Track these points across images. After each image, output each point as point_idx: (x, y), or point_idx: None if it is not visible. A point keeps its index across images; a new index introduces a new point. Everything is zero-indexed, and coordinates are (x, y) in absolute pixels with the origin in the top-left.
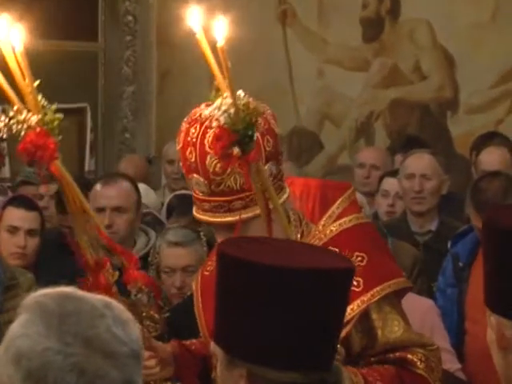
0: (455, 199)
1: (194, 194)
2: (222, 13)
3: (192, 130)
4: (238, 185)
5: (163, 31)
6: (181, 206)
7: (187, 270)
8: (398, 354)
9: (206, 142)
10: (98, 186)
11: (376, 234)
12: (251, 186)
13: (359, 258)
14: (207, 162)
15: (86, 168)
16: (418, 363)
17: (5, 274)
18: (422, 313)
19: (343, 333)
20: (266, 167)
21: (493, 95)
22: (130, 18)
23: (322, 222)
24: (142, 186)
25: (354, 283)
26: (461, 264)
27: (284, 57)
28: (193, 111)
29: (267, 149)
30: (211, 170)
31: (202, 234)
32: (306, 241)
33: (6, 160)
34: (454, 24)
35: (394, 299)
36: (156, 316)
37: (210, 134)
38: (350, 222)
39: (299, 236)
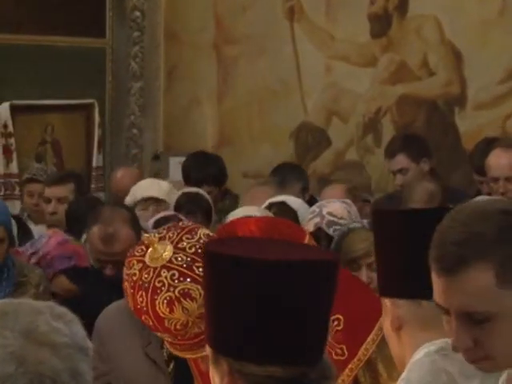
0: (462, 195)
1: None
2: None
3: (139, 299)
4: (202, 328)
5: (171, 27)
6: (189, 204)
7: None
8: None
9: (157, 309)
10: None
11: (343, 279)
12: None
13: (335, 323)
14: (166, 325)
15: (94, 164)
16: None
17: (15, 271)
18: None
19: None
20: None
21: (500, 91)
22: (137, 13)
23: None
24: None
25: (338, 351)
26: None
27: (291, 53)
28: (131, 263)
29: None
30: (173, 328)
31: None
32: None
33: (14, 156)
34: (462, 20)
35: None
36: None
37: (159, 301)
38: None
39: None
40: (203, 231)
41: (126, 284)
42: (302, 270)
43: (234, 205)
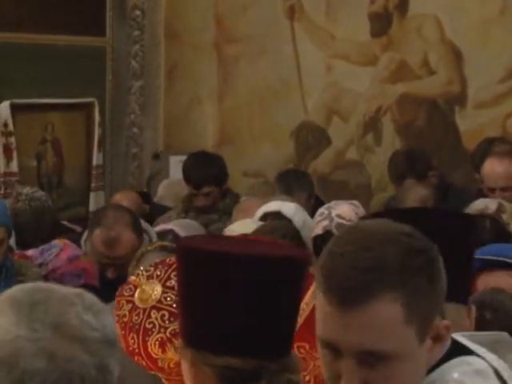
0: (462, 194)
1: None
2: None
3: (131, 341)
4: None
5: (171, 26)
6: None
7: None
8: None
9: (150, 350)
10: None
11: None
12: None
13: None
14: (160, 365)
15: (94, 162)
16: None
17: (14, 271)
18: None
19: None
20: None
21: (501, 90)
22: (137, 12)
23: None
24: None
25: None
26: None
27: (292, 52)
28: (120, 304)
29: None
30: (166, 367)
31: None
32: None
33: (14, 155)
34: (462, 19)
35: None
36: None
37: (151, 342)
38: (308, 307)
39: None
40: None
41: (117, 325)
42: (264, 265)
43: (235, 204)
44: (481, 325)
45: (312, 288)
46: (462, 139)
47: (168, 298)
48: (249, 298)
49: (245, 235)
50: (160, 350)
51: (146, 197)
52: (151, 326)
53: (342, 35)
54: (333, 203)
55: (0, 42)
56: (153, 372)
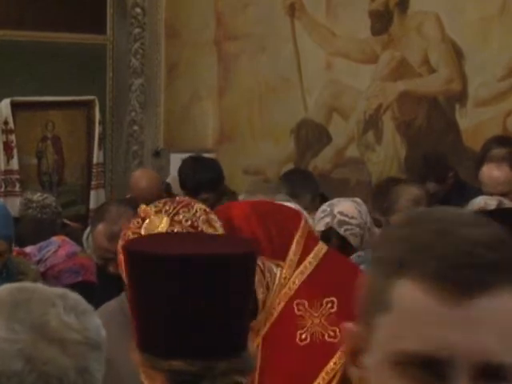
0: (465, 191)
1: None
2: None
3: None
4: None
5: (171, 24)
6: None
7: None
8: None
9: None
10: None
11: (337, 261)
12: None
13: (329, 305)
14: None
15: (95, 160)
16: None
17: (14, 270)
18: None
19: None
20: None
21: (501, 88)
22: (138, 10)
23: (284, 274)
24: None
25: (331, 333)
26: None
27: (292, 50)
28: (126, 234)
29: None
30: None
31: None
32: (279, 297)
33: (15, 152)
34: (463, 17)
35: None
36: None
37: None
38: (311, 265)
39: (265, 289)
40: (199, 206)
41: (121, 256)
42: (209, 264)
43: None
44: None
45: (315, 250)
46: (463, 137)
47: (175, 230)
48: (193, 299)
49: None
50: None
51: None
52: None
53: (343, 33)
54: (335, 200)
55: (0, 39)
56: None
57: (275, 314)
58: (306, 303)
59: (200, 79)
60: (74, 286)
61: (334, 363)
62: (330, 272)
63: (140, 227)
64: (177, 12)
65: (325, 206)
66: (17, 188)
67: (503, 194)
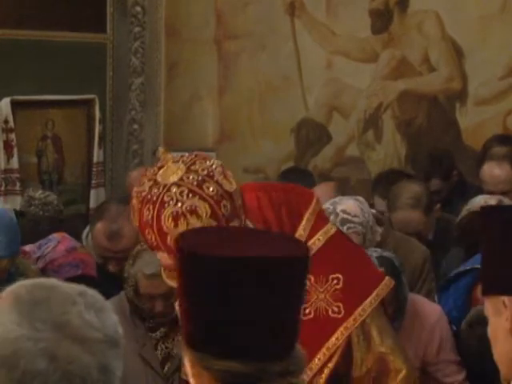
0: (466, 189)
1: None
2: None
3: (146, 212)
4: None
5: (172, 23)
6: None
7: (167, 295)
8: None
9: (162, 223)
10: None
11: (345, 243)
12: None
13: (335, 281)
14: (168, 241)
15: (95, 159)
16: None
17: (14, 270)
18: (431, 323)
19: (331, 364)
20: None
21: (502, 87)
22: (138, 9)
23: None
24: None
25: (335, 309)
26: (454, 327)
27: (292, 48)
28: (141, 182)
29: (225, 213)
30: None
31: None
32: None
33: (15, 151)
34: (463, 15)
35: (374, 311)
36: None
37: (165, 214)
38: (319, 241)
39: None
40: (216, 160)
41: (133, 201)
42: (264, 266)
43: None
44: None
45: (324, 228)
46: (463, 136)
47: (190, 177)
48: (249, 300)
49: None
50: (172, 224)
51: None
52: (169, 199)
53: (343, 31)
54: (337, 199)
55: (0, 38)
56: (159, 254)
57: None
58: (312, 278)
59: (200, 78)
60: (73, 280)
61: (336, 338)
62: (338, 250)
63: (156, 174)
64: (177, 11)
65: (327, 205)
66: (17, 187)
67: (504, 193)
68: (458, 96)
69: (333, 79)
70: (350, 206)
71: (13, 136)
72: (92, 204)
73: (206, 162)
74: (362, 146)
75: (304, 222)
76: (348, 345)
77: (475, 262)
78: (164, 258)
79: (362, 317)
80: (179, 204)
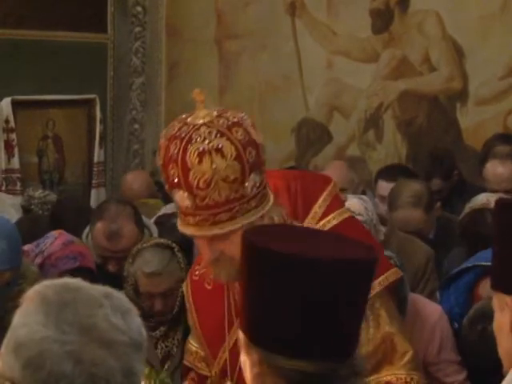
0: (466, 189)
1: (178, 209)
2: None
3: (172, 147)
4: (222, 198)
5: (172, 22)
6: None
7: (166, 293)
8: (382, 380)
9: (187, 158)
10: None
11: (360, 226)
12: (236, 198)
13: None
14: (190, 178)
15: (96, 159)
16: None
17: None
18: (432, 323)
19: None
20: (249, 179)
21: (502, 86)
22: (139, 9)
23: (306, 223)
24: None
25: None
26: (456, 325)
27: (293, 48)
28: (171, 125)
29: (250, 160)
30: (195, 184)
31: (175, 249)
32: None
33: (16, 151)
34: (464, 15)
35: (384, 295)
36: None
37: (191, 150)
38: (334, 220)
39: None
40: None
41: (161, 140)
42: (343, 268)
43: None
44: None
45: (339, 210)
46: (463, 136)
47: (221, 121)
48: (321, 299)
49: None
50: (197, 160)
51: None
52: (197, 136)
53: (343, 31)
54: (342, 196)
55: (1, 38)
56: (179, 194)
57: None
58: None
59: (201, 78)
60: (72, 272)
61: None
62: (352, 231)
63: (186, 118)
64: (177, 11)
65: None
66: (18, 187)
67: (507, 191)
68: (459, 96)
69: (333, 79)
70: (354, 204)
71: (13, 136)
72: (92, 204)
73: (237, 113)
74: (363, 145)
75: (320, 201)
76: None
77: (478, 259)
78: (182, 198)
79: (380, 286)
80: (206, 141)
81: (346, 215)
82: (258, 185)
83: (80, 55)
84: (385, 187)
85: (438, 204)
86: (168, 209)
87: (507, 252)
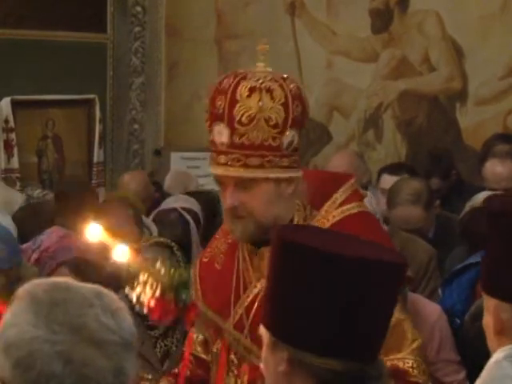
0: (464, 189)
1: (212, 148)
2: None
3: (226, 81)
4: (259, 140)
5: (172, 22)
6: None
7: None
8: (389, 363)
9: (238, 90)
10: None
11: (378, 223)
12: (271, 146)
13: None
14: (235, 110)
15: (95, 159)
16: (411, 371)
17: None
18: (431, 323)
19: None
20: (288, 133)
21: (502, 86)
22: (138, 9)
23: (325, 208)
24: None
25: None
26: (458, 321)
27: (293, 48)
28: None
29: (295, 113)
30: (237, 118)
31: (175, 248)
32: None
33: (15, 151)
34: (463, 15)
35: None
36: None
37: (244, 84)
38: (355, 209)
39: (302, 220)
40: None
41: (216, 81)
42: (380, 270)
43: None
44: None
45: (359, 202)
46: (463, 136)
47: (278, 74)
48: (353, 299)
49: None
50: (247, 93)
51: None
52: (252, 76)
53: (343, 31)
54: None
55: (1, 38)
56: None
57: None
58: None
59: (200, 78)
60: (68, 262)
61: None
62: (370, 222)
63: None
64: (177, 10)
65: None
66: (17, 186)
67: (506, 190)
68: (458, 96)
69: (333, 79)
70: None
71: (13, 136)
72: None
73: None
74: (363, 145)
75: (341, 191)
76: None
77: (480, 256)
78: (220, 132)
79: None
80: (260, 81)
81: (363, 208)
82: (293, 145)
83: (80, 55)
84: (388, 180)
85: (438, 202)
86: (168, 203)
87: (494, 255)
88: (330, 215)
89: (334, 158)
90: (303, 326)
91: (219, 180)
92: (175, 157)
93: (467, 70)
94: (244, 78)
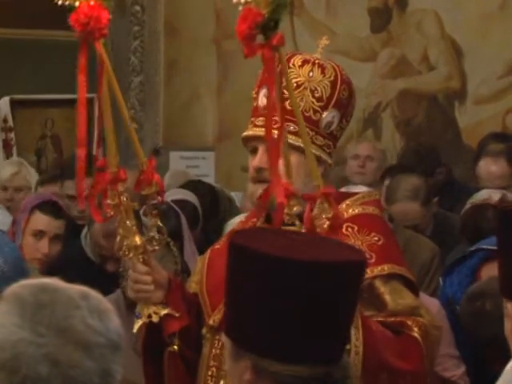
0: (467, 190)
1: (252, 115)
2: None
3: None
4: (300, 108)
5: (171, 21)
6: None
7: None
8: (399, 318)
9: (292, 60)
10: None
11: (392, 231)
12: (310, 119)
13: (376, 238)
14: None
15: None
16: (414, 326)
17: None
18: None
19: None
20: (329, 112)
21: (501, 85)
22: (137, 8)
23: (348, 202)
24: None
25: (368, 256)
26: (458, 308)
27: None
28: None
29: (340, 95)
30: (285, 82)
31: (171, 243)
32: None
33: (14, 150)
34: (462, 14)
35: (401, 283)
36: (162, 226)
37: (299, 56)
38: (373, 212)
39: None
40: None
41: None
42: (334, 270)
43: (231, 206)
44: (481, 315)
45: (379, 205)
46: (462, 135)
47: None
48: (308, 302)
49: None
50: (299, 63)
51: None
52: (306, 53)
53: (342, 30)
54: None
55: (0, 38)
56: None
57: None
58: (356, 227)
59: (199, 77)
60: (41, 206)
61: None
62: (385, 226)
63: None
64: (176, 10)
65: None
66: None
67: (500, 189)
68: (458, 95)
69: None
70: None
71: (12, 135)
72: None
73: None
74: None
75: (367, 192)
76: (373, 290)
77: (481, 243)
78: (265, 96)
79: (389, 270)
80: (315, 56)
81: (384, 217)
82: (331, 128)
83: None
84: None
85: (436, 199)
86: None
87: (509, 258)
88: (349, 209)
89: (359, 145)
90: (263, 332)
91: (251, 145)
92: (174, 156)
93: (466, 69)
94: (300, 53)
